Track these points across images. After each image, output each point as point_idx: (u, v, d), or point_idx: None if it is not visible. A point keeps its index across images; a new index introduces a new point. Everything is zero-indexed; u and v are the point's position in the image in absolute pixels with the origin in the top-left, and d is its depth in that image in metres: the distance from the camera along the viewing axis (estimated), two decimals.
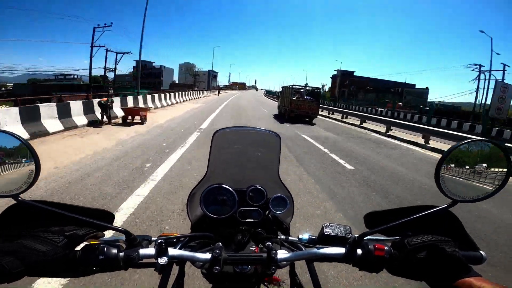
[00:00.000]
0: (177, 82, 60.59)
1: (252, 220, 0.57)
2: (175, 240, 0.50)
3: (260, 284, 0.56)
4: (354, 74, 46.85)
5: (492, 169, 0.43)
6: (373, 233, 0.44)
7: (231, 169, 0.66)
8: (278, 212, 0.58)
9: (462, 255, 0.40)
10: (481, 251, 0.44)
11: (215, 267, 0.42)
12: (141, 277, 1.46)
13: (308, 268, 0.52)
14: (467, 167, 0.44)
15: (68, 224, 0.41)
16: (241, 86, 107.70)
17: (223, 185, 0.57)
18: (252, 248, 0.52)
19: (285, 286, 0.62)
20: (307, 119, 10.59)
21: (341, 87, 46.20)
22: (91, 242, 0.42)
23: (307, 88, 12.56)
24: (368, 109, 23.17)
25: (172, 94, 15.17)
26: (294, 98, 10.33)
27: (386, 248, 0.43)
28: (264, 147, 0.68)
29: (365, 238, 0.44)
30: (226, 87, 75.35)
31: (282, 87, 13.18)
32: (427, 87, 47.75)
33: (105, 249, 0.40)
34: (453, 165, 0.43)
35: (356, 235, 0.45)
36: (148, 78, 54.58)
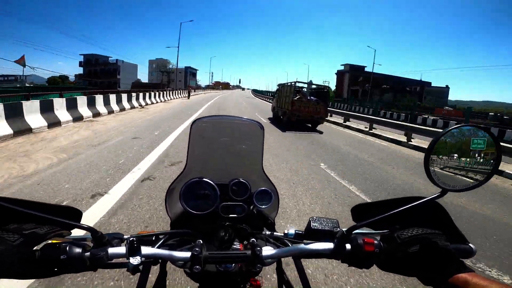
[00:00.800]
0: (146, 81, 59.96)
1: (235, 215, 0.64)
2: (154, 238, 0.57)
3: (246, 283, 0.62)
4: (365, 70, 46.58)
5: (482, 156, 0.49)
6: (361, 226, 0.50)
7: (212, 161, 0.74)
8: (263, 206, 0.65)
9: (453, 248, 0.47)
10: (470, 244, 0.50)
11: (195, 266, 0.47)
12: (120, 278, 1.70)
13: (295, 264, 0.59)
14: (456, 154, 0.50)
15: (29, 222, 0.46)
16: (225, 86, 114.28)
17: (204, 179, 0.63)
18: (236, 245, 0.58)
19: (271, 286, 0.72)
20: (310, 125, 10.24)
21: (351, 85, 46.22)
22: (53, 241, 0.46)
23: (312, 86, 11.93)
24: (400, 115, 20.21)
25: (102, 97, 10.23)
26: (296, 98, 9.71)
27: (375, 242, 0.49)
28: (246, 138, 0.76)
29: (354, 232, 0.51)
30: (208, 87, 76.87)
31: (279, 85, 12.48)
32: (447, 86, 49.94)
33: (67, 248, 0.43)
34: (442, 154, 0.50)
35: (344, 229, 0.51)
36: (104, 76, 53.40)
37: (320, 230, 0.56)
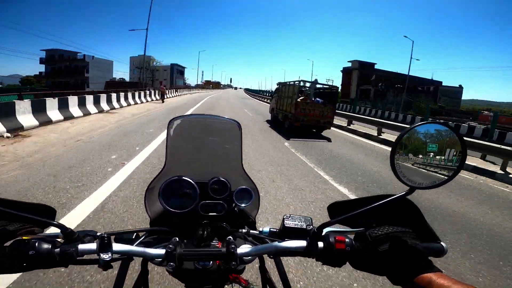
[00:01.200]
0: (126, 79, 59.26)
1: (215, 214, 0.71)
2: (134, 236, 0.64)
3: (225, 281, 0.69)
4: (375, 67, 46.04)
5: (448, 152, 0.54)
6: (332, 223, 0.56)
7: (191, 160, 0.82)
8: (243, 205, 0.73)
9: (423, 247, 0.52)
10: (442, 243, 0.55)
11: (169, 263, 0.52)
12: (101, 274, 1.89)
13: (275, 262, 0.66)
14: (422, 152, 0.55)
15: (1, 219, 0.52)
16: (215, 85, 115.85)
17: (183, 177, 0.69)
18: (215, 243, 0.64)
19: (255, 285, 0.77)
20: (314, 130, 9.83)
21: (360, 84, 45.93)
22: (23, 238, 0.51)
23: (318, 85, 11.18)
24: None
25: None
26: (300, 100, 9.20)
27: (347, 240, 0.55)
28: (224, 136, 0.84)
29: (328, 230, 0.57)
30: (197, 86, 77.78)
31: (279, 83, 11.99)
32: (460, 85, 50.28)
33: (36, 244, 0.49)
34: (408, 150, 0.55)
35: (316, 227, 0.57)
36: (70, 75, 49.62)
37: (293, 228, 0.63)
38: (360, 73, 45.33)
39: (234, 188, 0.73)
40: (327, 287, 1.98)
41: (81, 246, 0.52)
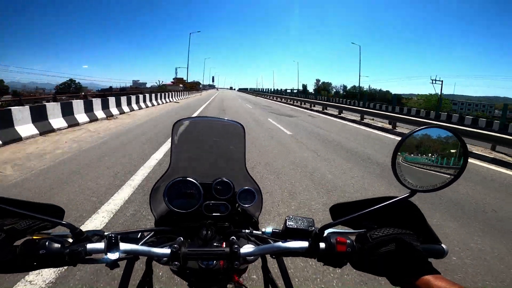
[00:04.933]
0: None
1: (218, 214, 0.72)
2: (139, 236, 0.65)
3: (229, 281, 0.70)
4: None
5: (450, 156, 0.55)
6: (334, 225, 0.57)
7: (195, 161, 0.84)
8: (246, 205, 0.73)
9: (423, 248, 0.53)
10: (442, 245, 0.57)
11: (174, 263, 0.54)
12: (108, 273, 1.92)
13: (277, 263, 0.69)
14: (424, 155, 0.56)
15: (9, 218, 0.53)
16: (191, 85, 73.44)
17: (188, 178, 0.70)
18: (218, 243, 0.66)
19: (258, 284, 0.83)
20: None
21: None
22: (34, 237, 0.53)
23: None
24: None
25: None
26: None
27: (348, 241, 0.56)
28: (228, 138, 0.86)
29: (330, 231, 0.58)
30: (157, 89, 42.87)
31: None
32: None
33: (47, 243, 0.50)
34: (410, 154, 0.56)
35: (317, 228, 0.58)
36: None
37: (295, 229, 0.64)
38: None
39: (237, 189, 0.74)
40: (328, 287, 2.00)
41: (90, 246, 0.53)
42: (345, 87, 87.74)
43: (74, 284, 1.87)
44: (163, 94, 21.07)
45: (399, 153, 0.55)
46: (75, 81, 73.92)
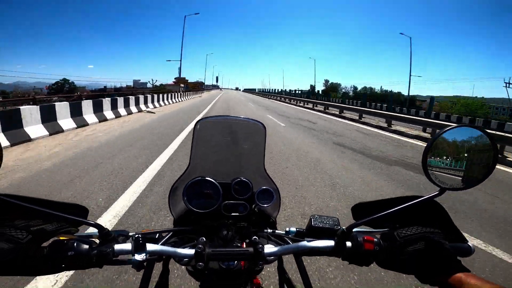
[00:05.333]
0: None
1: (237, 214, 0.71)
2: (157, 236, 0.64)
3: (248, 281, 0.69)
4: None
5: (479, 155, 0.55)
6: (361, 224, 0.56)
7: (215, 161, 0.83)
8: (265, 205, 0.73)
9: (451, 247, 0.53)
10: (469, 243, 0.56)
11: (198, 263, 0.53)
12: (124, 274, 1.90)
13: (296, 262, 0.67)
14: (454, 154, 0.57)
15: (36, 218, 0.52)
16: (194, 85, 70.09)
17: (207, 178, 0.70)
18: (237, 243, 0.66)
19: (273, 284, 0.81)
20: None
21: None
22: (61, 238, 0.51)
23: None
24: None
25: None
26: None
27: (375, 240, 0.56)
28: (249, 137, 0.85)
29: (355, 230, 0.57)
30: (154, 89, 43.63)
31: None
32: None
33: (75, 245, 0.49)
34: (440, 153, 0.57)
35: (345, 227, 0.57)
36: None
37: (321, 228, 0.64)
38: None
39: (256, 189, 0.74)
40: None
41: (117, 247, 0.52)
42: (355, 88, 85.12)
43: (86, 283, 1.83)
44: (149, 97, 15.85)
45: (430, 152, 0.56)
46: (68, 80, 70.00)
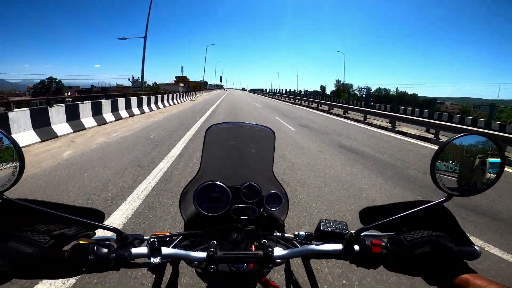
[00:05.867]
0: None
1: (246, 217, 0.73)
2: (168, 239, 0.65)
3: (256, 284, 0.72)
4: None
5: (487, 162, 0.57)
6: (369, 228, 0.58)
7: (224, 165, 0.85)
8: (273, 209, 0.74)
9: (458, 250, 0.54)
10: (475, 246, 0.58)
11: (210, 266, 0.55)
12: (133, 276, 1.86)
13: (304, 265, 0.68)
14: (461, 160, 0.59)
15: (55, 223, 0.53)
16: (195, 85, 66.37)
17: (217, 182, 0.71)
18: (247, 247, 0.68)
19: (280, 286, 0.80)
20: None
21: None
22: (80, 242, 0.53)
23: None
24: None
25: None
26: None
27: (383, 244, 0.57)
28: (258, 143, 0.88)
29: (363, 234, 0.59)
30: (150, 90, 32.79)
31: None
32: None
33: (95, 248, 0.51)
34: (448, 159, 0.59)
35: (353, 231, 0.59)
36: None
37: (329, 232, 0.65)
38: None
39: (264, 193, 0.75)
40: None
41: (134, 250, 0.54)
42: (368, 89, 79.24)
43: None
44: (131, 100, 12.21)
45: (438, 159, 0.58)
46: (55, 79, 60.26)
